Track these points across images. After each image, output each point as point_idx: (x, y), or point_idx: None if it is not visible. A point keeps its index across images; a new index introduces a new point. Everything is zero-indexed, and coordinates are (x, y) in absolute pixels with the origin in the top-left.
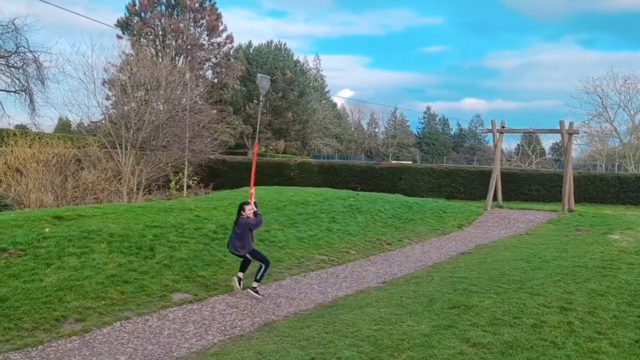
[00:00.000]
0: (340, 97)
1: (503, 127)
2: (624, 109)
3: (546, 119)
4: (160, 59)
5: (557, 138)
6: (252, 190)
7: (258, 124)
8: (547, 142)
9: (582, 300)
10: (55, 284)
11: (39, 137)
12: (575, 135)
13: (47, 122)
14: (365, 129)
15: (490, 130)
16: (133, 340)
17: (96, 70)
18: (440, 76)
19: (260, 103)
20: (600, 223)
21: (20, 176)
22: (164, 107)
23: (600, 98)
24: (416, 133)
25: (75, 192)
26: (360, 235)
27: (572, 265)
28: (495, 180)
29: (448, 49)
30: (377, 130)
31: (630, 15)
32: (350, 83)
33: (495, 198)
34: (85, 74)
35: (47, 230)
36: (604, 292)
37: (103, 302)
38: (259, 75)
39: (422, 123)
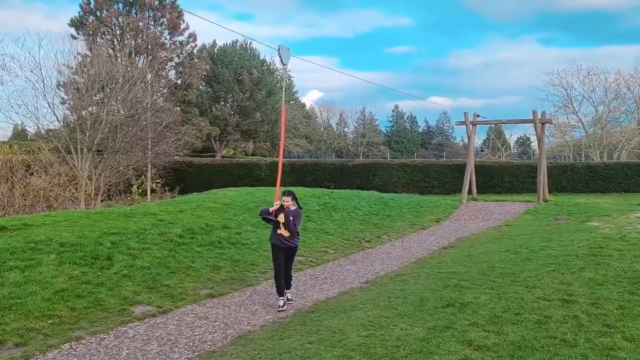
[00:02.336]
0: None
1: (477, 117)
2: (588, 100)
3: (510, 114)
4: (118, 58)
5: (521, 132)
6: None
7: (283, 112)
8: (513, 137)
9: (582, 291)
10: None
11: None
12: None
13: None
14: (335, 129)
15: (463, 123)
16: None
17: (45, 69)
18: (407, 76)
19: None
20: (577, 211)
21: None
22: (122, 106)
23: (566, 90)
24: (385, 131)
25: (25, 200)
26: (338, 233)
27: (562, 255)
28: (470, 173)
29: (414, 49)
30: (346, 129)
31: (584, 14)
32: (319, 84)
33: (470, 191)
34: (32, 71)
35: None
36: (602, 281)
37: (50, 321)
38: (279, 45)
39: (390, 121)
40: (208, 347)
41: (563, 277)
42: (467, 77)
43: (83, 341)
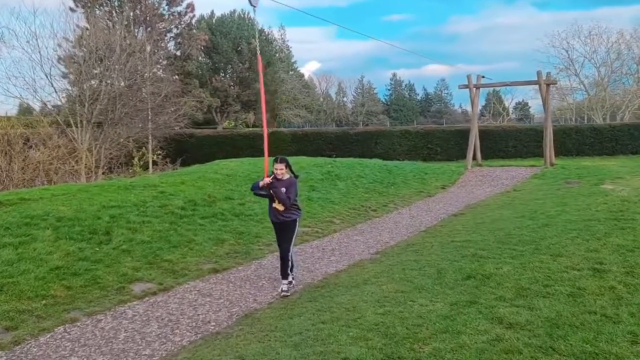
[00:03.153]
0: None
1: (483, 78)
2: (589, 61)
3: (508, 80)
4: (116, 30)
5: (520, 97)
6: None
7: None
8: (512, 102)
9: (613, 258)
10: None
11: None
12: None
13: (6, 108)
14: (334, 99)
15: (466, 86)
16: (78, 350)
17: (41, 39)
18: (403, 44)
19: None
20: (587, 175)
21: None
22: (120, 77)
23: (566, 51)
24: (384, 100)
25: (24, 174)
26: (343, 202)
27: (581, 220)
28: (474, 138)
29: (411, 16)
30: (345, 99)
31: None
32: (317, 55)
33: (474, 157)
34: (28, 42)
35: None
36: (633, 247)
37: (43, 301)
38: None
39: (389, 90)
40: (212, 327)
41: (588, 244)
42: (465, 43)
43: (78, 323)
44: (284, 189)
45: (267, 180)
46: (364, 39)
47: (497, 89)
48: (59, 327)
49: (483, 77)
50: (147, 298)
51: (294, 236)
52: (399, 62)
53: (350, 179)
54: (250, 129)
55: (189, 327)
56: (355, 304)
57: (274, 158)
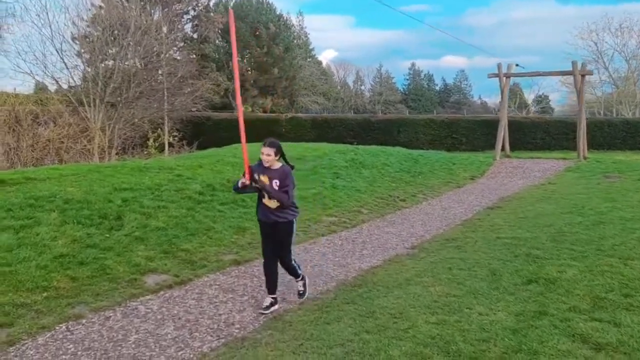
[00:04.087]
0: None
1: (516, 66)
2: (620, 54)
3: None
4: (131, 7)
5: (541, 90)
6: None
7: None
8: (532, 95)
9: None
10: None
11: None
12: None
13: (15, 83)
14: (352, 87)
15: (496, 75)
16: (81, 354)
17: (51, 12)
18: (422, 34)
19: None
20: (627, 169)
21: None
22: (134, 54)
23: (595, 44)
24: (402, 90)
25: (33, 152)
26: (369, 191)
27: (638, 218)
28: (504, 129)
29: (429, 7)
30: (362, 87)
31: None
32: (334, 44)
33: (502, 148)
34: (38, 15)
35: None
36: None
37: (44, 294)
38: None
39: (407, 80)
40: (236, 331)
41: None
42: (483, 36)
43: (83, 320)
44: (276, 182)
45: (245, 180)
46: (381, 28)
47: (518, 81)
48: (60, 325)
49: (517, 65)
50: (162, 292)
51: (293, 239)
52: (417, 53)
53: (375, 167)
54: (268, 114)
55: (210, 330)
56: (401, 309)
57: (263, 141)
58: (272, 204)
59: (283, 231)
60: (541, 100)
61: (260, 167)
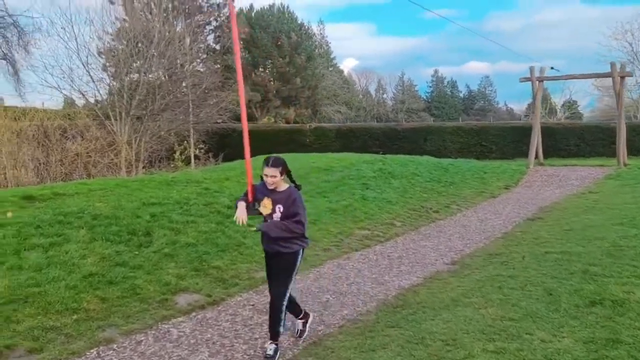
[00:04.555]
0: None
1: (551, 69)
2: None
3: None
4: (154, 18)
5: (571, 95)
6: (249, 174)
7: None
8: (559, 100)
9: None
10: (3, 294)
11: (24, 113)
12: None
13: (43, 98)
14: (374, 96)
15: (528, 79)
16: None
17: (77, 25)
18: (444, 41)
19: None
20: None
21: None
22: (159, 65)
23: (630, 44)
24: (425, 97)
25: (61, 167)
26: (401, 203)
27: None
28: (537, 135)
29: (451, 12)
30: (385, 96)
31: None
32: (354, 52)
33: (535, 155)
34: (64, 29)
35: (9, 214)
36: None
37: (74, 316)
38: None
39: (430, 87)
40: None
41: None
42: (507, 39)
43: (114, 345)
44: (279, 207)
45: (242, 217)
46: (402, 35)
47: (546, 85)
48: (91, 350)
49: (552, 68)
50: (194, 313)
51: (294, 274)
52: (440, 60)
53: (405, 177)
54: (291, 124)
55: (246, 356)
56: (454, 335)
57: (264, 159)
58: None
59: (284, 262)
60: (570, 105)
61: (264, 187)
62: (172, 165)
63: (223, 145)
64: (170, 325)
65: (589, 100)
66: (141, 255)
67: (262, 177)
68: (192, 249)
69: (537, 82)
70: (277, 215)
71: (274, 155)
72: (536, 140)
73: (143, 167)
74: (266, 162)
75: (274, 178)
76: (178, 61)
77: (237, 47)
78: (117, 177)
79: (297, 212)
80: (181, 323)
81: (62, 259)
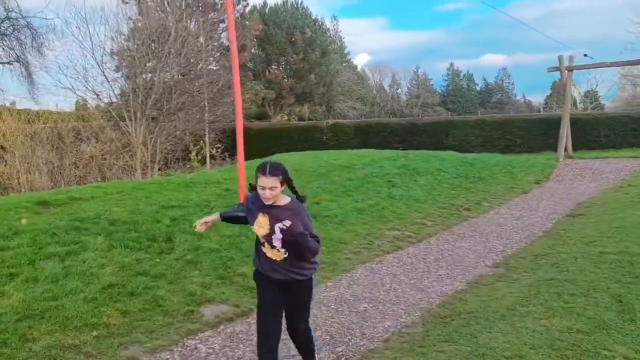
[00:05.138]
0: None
1: (575, 59)
2: None
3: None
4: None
5: (598, 85)
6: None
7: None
8: (581, 89)
9: None
10: (18, 309)
11: (37, 115)
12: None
13: (57, 100)
14: (388, 91)
15: (557, 69)
16: None
17: (91, 25)
18: (458, 34)
19: None
20: None
21: (6, 154)
22: (175, 63)
23: None
24: (440, 91)
25: (76, 170)
26: (429, 201)
27: None
28: (567, 127)
29: (465, 4)
30: (399, 91)
31: None
32: (367, 47)
33: (565, 148)
34: (78, 28)
35: (24, 221)
36: None
37: (94, 333)
38: None
39: (445, 80)
40: None
41: None
42: (523, 31)
43: None
44: (282, 226)
45: (200, 222)
46: (415, 29)
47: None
48: None
49: (585, 55)
50: (222, 326)
51: (310, 305)
52: (454, 53)
53: (430, 174)
54: (306, 121)
55: None
56: (518, 351)
57: (257, 165)
58: (276, 254)
59: (301, 292)
60: (593, 95)
61: (257, 199)
62: (187, 166)
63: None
64: (197, 340)
65: (609, 91)
66: (163, 263)
67: (252, 188)
68: (215, 254)
69: (567, 71)
70: (277, 237)
71: (272, 161)
72: (566, 132)
73: (159, 169)
74: (261, 170)
75: (273, 190)
76: (192, 60)
77: (234, 45)
78: (133, 180)
79: (305, 230)
80: (209, 338)
81: (80, 269)
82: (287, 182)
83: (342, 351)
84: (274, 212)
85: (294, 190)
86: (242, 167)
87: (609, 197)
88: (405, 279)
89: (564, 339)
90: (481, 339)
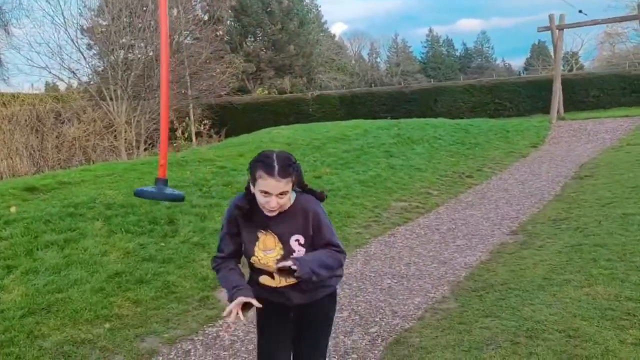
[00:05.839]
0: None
1: (565, 17)
2: None
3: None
4: None
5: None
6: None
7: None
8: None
9: None
10: (22, 304)
11: (13, 97)
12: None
13: (31, 80)
14: (367, 60)
15: (547, 28)
16: None
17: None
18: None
19: None
20: None
21: None
22: (151, 39)
23: None
24: (420, 58)
25: (59, 153)
26: (430, 169)
27: None
28: (559, 89)
29: None
30: (378, 60)
31: None
32: (342, 16)
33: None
34: (48, 2)
35: (13, 209)
36: None
37: (107, 325)
38: None
39: (425, 47)
40: (353, 357)
41: None
42: None
43: (159, 358)
44: (298, 241)
45: (230, 317)
46: None
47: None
48: None
49: (580, 11)
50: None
51: (330, 331)
52: (431, 19)
53: (426, 142)
54: (293, 94)
55: None
56: (570, 323)
57: (256, 158)
58: (281, 280)
59: (321, 312)
60: (569, 58)
61: (250, 212)
62: (174, 145)
63: (223, 120)
64: (218, 328)
65: (587, 51)
66: (168, 247)
67: (246, 192)
68: None
69: (557, 30)
70: (300, 255)
71: (276, 150)
72: (558, 93)
73: (145, 149)
74: (266, 168)
75: (282, 198)
76: (170, 34)
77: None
78: (121, 161)
79: (331, 234)
80: (231, 325)
81: (82, 257)
82: (297, 174)
83: (376, 332)
84: (280, 224)
85: (307, 189)
86: (166, 131)
87: (612, 157)
88: (424, 252)
89: (615, 308)
90: (524, 312)
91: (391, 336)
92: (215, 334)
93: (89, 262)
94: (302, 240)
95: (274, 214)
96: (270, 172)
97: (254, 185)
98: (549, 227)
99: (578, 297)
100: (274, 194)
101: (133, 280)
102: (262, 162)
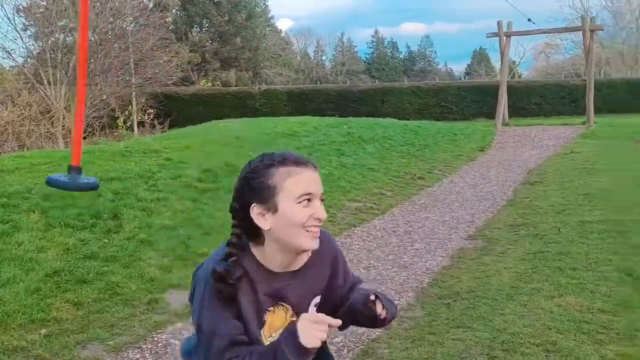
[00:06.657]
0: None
1: (512, 26)
2: (609, 10)
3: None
4: None
5: (511, 55)
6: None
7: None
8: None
9: None
10: None
11: None
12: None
13: None
14: (312, 58)
15: (495, 34)
16: None
17: None
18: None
19: None
20: None
21: None
22: (99, 20)
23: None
24: (365, 59)
25: None
26: (382, 169)
27: None
28: (504, 95)
29: None
30: (323, 58)
31: None
32: (289, 12)
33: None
34: None
35: None
36: None
37: (43, 331)
38: None
39: (370, 48)
40: None
41: None
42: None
43: None
44: (312, 308)
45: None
46: None
47: (485, 46)
48: None
49: (529, 20)
50: (190, 317)
51: None
52: (377, 20)
53: (377, 142)
54: (239, 87)
55: None
56: (546, 337)
57: (263, 161)
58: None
59: None
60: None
61: (238, 275)
62: (115, 134)
63: (167, 111)
64: (169, 335)
65: (523, 59)
66: (112, 244)
67: (232, 245)
68: (171, 232)
69: (505, 37)
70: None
71: (302, 156)
72: (504, 99)
73: (84, 137)
74: (294, 159)
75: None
76: (111, 19)
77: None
78: (58, 149)
79: (345, 279)
80: (181, 331)
81: (16, 253)
82: None
83: (341, 342)
84: (300, 281)
85: None
86: (80, 116)
87: (558, 164)
88: (382, 255)
89: (590, 321)
90: (496, 322)
91: (357, 346)
92: (166, 342)
93: (23, 259)
94: (317, 300)
95: (316, 243)
96: (301, 161)
97: (275, 200)
98: (507, 233)
99: (550, 307)
100: (318, 194)
101: (73, 280)
102: (281, 156)
